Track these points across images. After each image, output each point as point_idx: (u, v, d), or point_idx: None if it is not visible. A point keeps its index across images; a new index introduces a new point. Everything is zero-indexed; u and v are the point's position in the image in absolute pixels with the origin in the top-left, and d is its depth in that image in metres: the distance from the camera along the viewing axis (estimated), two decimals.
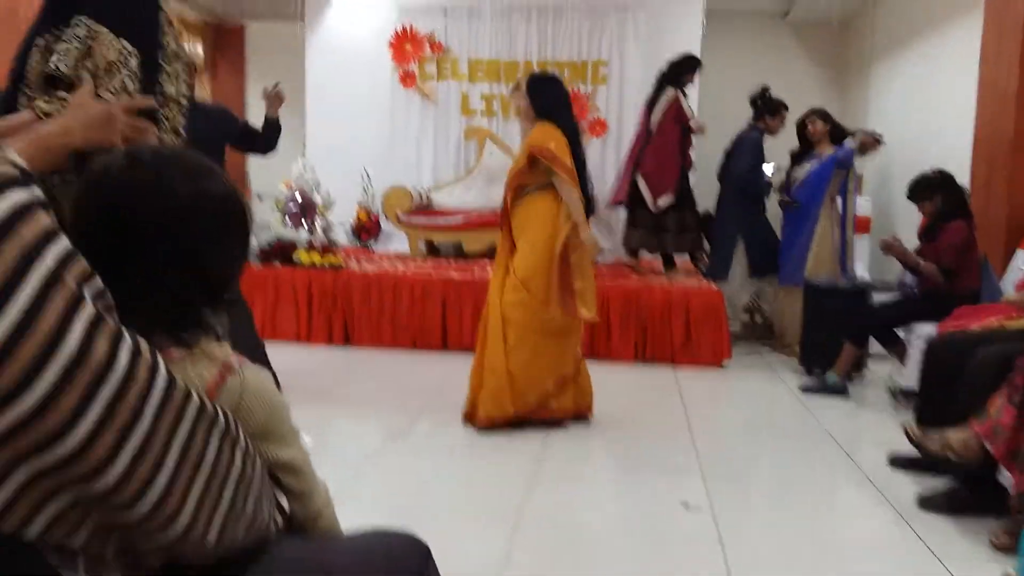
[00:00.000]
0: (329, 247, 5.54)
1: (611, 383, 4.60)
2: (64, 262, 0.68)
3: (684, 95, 5.74)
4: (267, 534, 0.97)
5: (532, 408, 3.62)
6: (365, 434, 3.73)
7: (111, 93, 1.42)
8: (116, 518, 0.76)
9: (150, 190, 0.91)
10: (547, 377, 3.63)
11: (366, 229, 6.75)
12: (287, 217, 5.72)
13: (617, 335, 5.14)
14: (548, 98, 3.58)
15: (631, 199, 5.86)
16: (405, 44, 6.86)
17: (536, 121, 3.57)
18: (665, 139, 5.66)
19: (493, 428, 3.58)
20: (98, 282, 0.74)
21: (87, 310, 0.69)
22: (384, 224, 6.70)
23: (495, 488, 3.02)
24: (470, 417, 3.68)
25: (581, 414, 3.81)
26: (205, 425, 0.82)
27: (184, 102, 1.65)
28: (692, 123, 5.70)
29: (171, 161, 0.96)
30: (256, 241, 5.49)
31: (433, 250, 6.46)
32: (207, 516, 0.82)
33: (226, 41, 8.61)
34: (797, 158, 5.52)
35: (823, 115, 5.43)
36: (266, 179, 8.05)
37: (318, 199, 5.70)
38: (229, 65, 8.65)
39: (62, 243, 0.69)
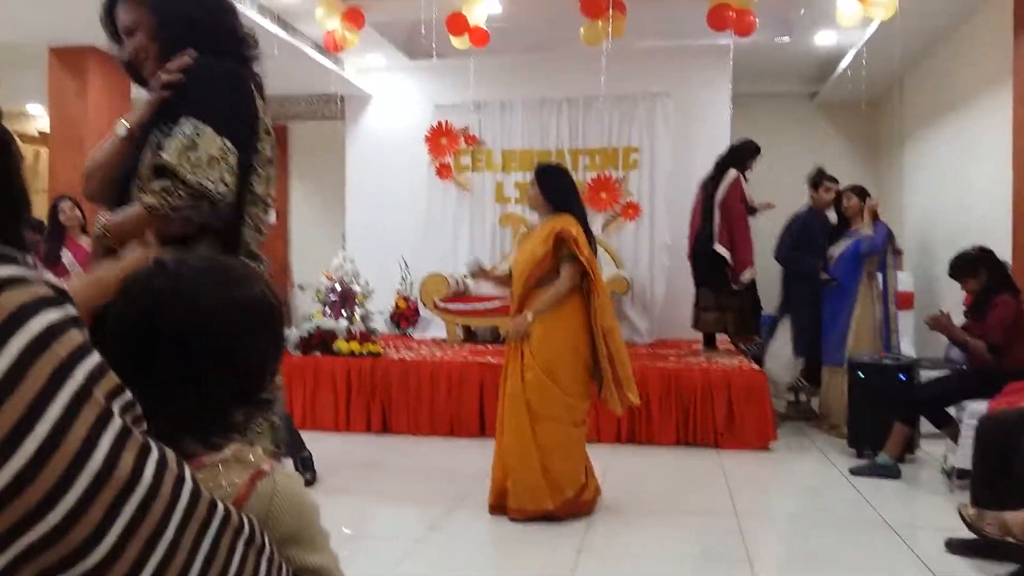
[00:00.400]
0: (368, 335, 5.60)
1: (652, 467, 4.52)
2: (94, 377, 0.70)
3: (745, 179, 5.81)
4: None
5: (570, 501, 3.53)
6: (404, 523, 3.68)
7: (210, 182, 1.52)
8: None
9: (175, 299, 0.94)
10: (580, 469, 3.58)
11: (404, 316, 6.83)
12: (327, 307, 5.82)
13: (657, 417, 5.05)
14: (559, 189, 3.61)
15: (699, 278, 5.88)
16: (441, 138, 7.08)
17: (550, 211, 3.59)
18: (734, 216, 5.70)
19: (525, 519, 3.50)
20: (127, 395, 0.75)
21: (115, 424, 0.70)
22: (422, 311, 6.78)
23: None
24: (497, 509, 3.58)
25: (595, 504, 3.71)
26: (230, 534, 0.82)
27: (270, 203, 1.74)
28: (758, 204, 5.82)
29: (200, 270, 0.99)
30: (297, 332, 5.59)
31: (470, 335, 6.50)
32: None
33: None
34: (835, 235, 5.49)
35: (859, 191, 5.43)
36: (308, 270, 8.25)
37: (357, 289, 5.80)
38: None
39: (93, 359, 0.71)
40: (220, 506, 0.82)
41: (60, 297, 0.71)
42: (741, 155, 5.85)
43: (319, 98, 7.75)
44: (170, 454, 0.77)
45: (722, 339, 6.04)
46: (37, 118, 8.62)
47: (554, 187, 3.61)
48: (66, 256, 4.92)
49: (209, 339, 0.94)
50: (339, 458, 4.68)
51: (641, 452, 4.89)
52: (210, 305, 0.95)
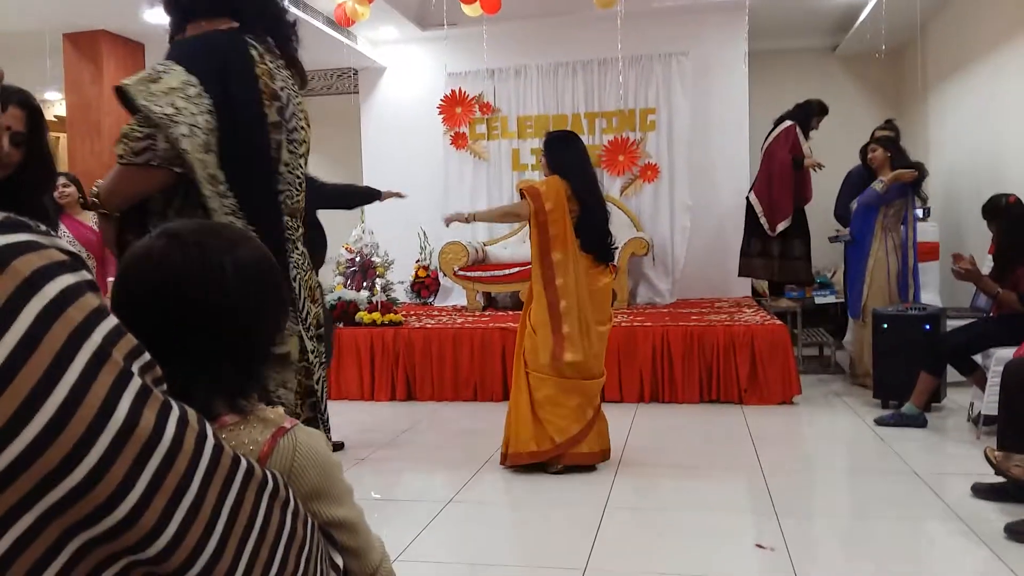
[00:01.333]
0: (389, 306, 5.64)
1: (677, 425, 4.53)
2: (112, 339, 0.72)
3: (806, 136, 5.84)
4: None
5: (560, 449, 3.63)
6: (432, 487, 3.73)
7: (156, 106, 1.54)
8: None
9: (197, 269, 0.95)
10: (572, 422, 3.64)
11: (425, 286, 6.86)
12: (348, 279, 5.86)
13: (680, 376, 5.05)
14: (559, 156, 3.75)
15: (745, 225, 6.08)
16: (455, 107, 7.05)
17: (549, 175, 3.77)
18: (775, 165, 5.83)
19: (519, 466, 3.67)
20: (146, 356, 0.77)
21: (134, 383, 0.72)
22: (442, 280, 6.81)
23: (563, 537, 2.98)
24: (505, 458, 3.76)
25: (604, 457, 3.79)
26: (254, 488, 0.84)
27: (292, 172, 1.75)
28: (808, 160, 5.82)
29: (209, 235, 1.00)
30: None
31: (491, 302, 6.52)
32: None
33: None
34: (861, 188, 5.41)
35: (884, 142, 5.32)
36: (330, 244, 8.29)
37: (377, 260, 5.83)
38: None
39: (110, 321, 0.73)
40: (243, 461, 0.84)
41: (75, 262, 0.73)
42: (806, 112, 5.92)
43: (333, 72, 7.74)
44: (191, 411, 0.79)
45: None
46: (55, 104, 8.70)
47: (554, 155, 3.77)
48: (65, 234, 4.99)
49: (234, 302, 0.96)
50: (366, 426, 4.75)
51: (665, 410, 4.90)
52: (230, 268, 0.96)
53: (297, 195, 1.77)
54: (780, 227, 5.84)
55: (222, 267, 0.95)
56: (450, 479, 3.70)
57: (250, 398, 1.01)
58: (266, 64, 1.70)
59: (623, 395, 5.06)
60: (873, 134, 5.48)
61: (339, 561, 1.05)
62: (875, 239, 5.18)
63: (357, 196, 4.64)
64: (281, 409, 1.04)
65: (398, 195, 4.84)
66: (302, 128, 1.78)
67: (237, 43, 1.68)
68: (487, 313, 6.17)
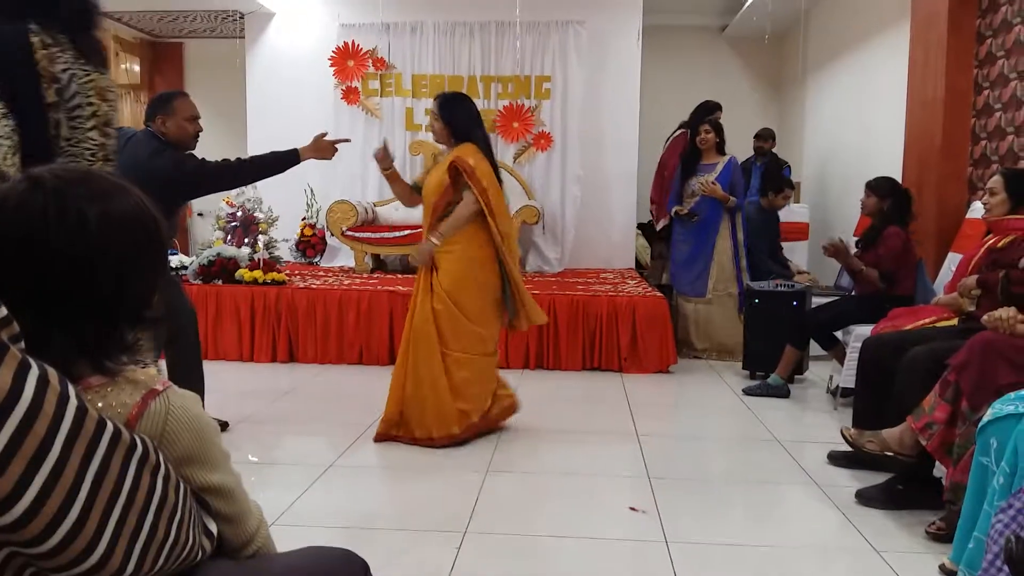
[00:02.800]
0: (272, 264, 5.47)
1: (559, 391, 4.63)
2: None
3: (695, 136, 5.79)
4: (192, 559, 0.94)
5: (475, 425, 3.62)
6: (312, 451, 3.67)
7: None
8: (27, 553, 0.74)
9: (54, 216, 0.88)
10: (487, 395, 3.68)
11: (311, 245, 6.68)
12: (228, 234, 5.63)
13: (565, 344, 5.16)
14: (463, 118, 3.59)
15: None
16: (347, 61, 6.84)
17: (454, 143, 3.58)
18: (665, 169, 6.04)
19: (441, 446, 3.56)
20: (2, 311, 0.72)
21: None
22: (329, 240, 6.65)
23: (445, 501, 3.00)
24: (384, 438, 3.61)
25: (506, 418, 3.83)
26: (121, 453, 0.80)
27: (74, 145, 1.92)
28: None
29: (75, 183, 0.92)
30: (196, 259, 5.39)
31: (380, 264, 6.43)
32: (124, 546, 0.80)
33: (164, 59, 8.49)
34: (688, 169, 5.61)
35: (716, 126, 5.61)
36: (207, 197, 7.93)
37: (260, 216, 5.62)
38: (167, 83, 8.50)
39: None
40: (109, 424, 0.79)
41: None
42: (696, 114, 6.00)
43: (217, 15, 7.34)
44: (52, 371, 0.74)
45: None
46: None
47: (457, 117, 3.57)
48: None
49: (96, 255, 0.89)
50: (244, 388, 4.61)
51: (549, 376, 5.01)
52: (94, 220, 0.89)
53: (89, 164, 1.93)
54: (660, 225, 6.08)
55: (84, 217, 0.89)
56: (331, 443, 3.65)
57: (116, 359, 0.96)
58: (47, 50, 1.88)
59: (508, 361, 5.12)
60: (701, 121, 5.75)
61: (212, 528, 1.02)
62: (722, 222, 5.48)
63: (279, 162, 3.63)
64: (153, 370, 0.99)
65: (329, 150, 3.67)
66: (88, 104, 1.94)
67: (17, 35, 1.86)
68: (375, 275, 6.09)
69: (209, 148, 8.60)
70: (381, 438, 3.63)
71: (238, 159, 3.55)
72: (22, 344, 0.74)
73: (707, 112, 5.89)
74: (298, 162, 3.52)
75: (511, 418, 3.85)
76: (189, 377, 3.50)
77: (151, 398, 0.94)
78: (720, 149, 5.58)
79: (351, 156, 6.79)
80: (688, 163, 5.60)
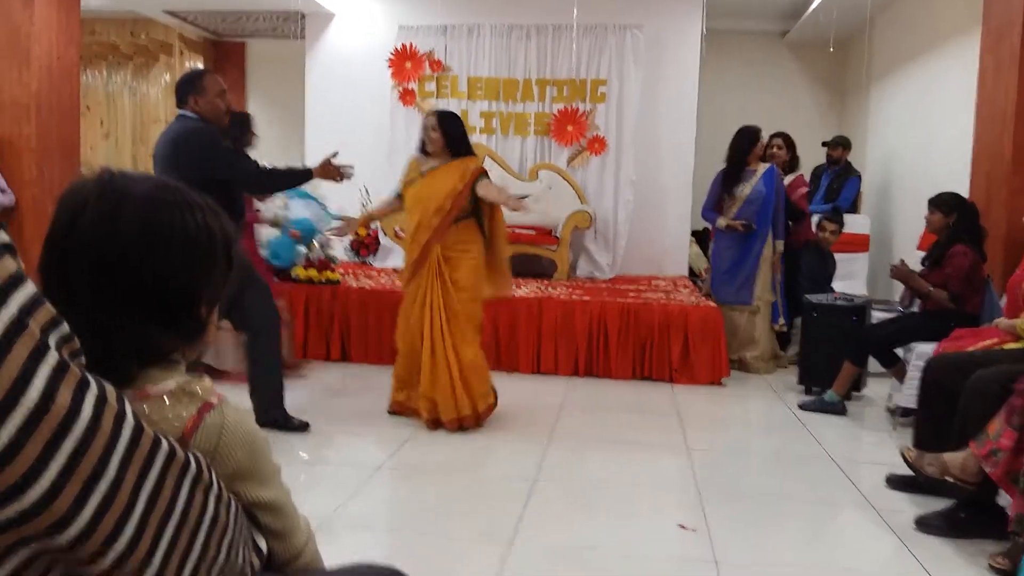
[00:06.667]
0: (327, 263, 5.53)
1: (609, 401, 4.59)
2: (28, 309, 0.67)
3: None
4: None
5: (480, 414, 3.92)
6: (362, 453, 3.71)
7: None
8: (82, 569, 0.74)
9: (92, 205, 0.89)
10: (489, 389, 4.01)
11: (365, 245, 6.75)
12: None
13: (615, 352, 5.12)
14: (457, 133, 3.96)
15: None
16: (405, 62, 6.89)
17: (449, 155, 3.93)
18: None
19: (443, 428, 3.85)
20: (65, 327, 0.72)
21: (51, 358, 0.68)
22: (382, 239, 6.71)
23: (492, 508, 3.00)
24: (398, 412, 4.03)
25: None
26: (175, 472, 0.81)
27: None
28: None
29: (139, 187, 0.93)
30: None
31: None
32: (177, 564, 0.81)
33: (226, 58, 8.67)
34: (732, 177, 5.45)
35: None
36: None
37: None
38: (230, 82, 8.63)
39: (27, 289, 0.68)
40: (164, 443, 0.80)
41: None
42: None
43: (279, 15, 7.45)
44: (110, 389, 0.74)
45: None
46: None
47: (454, 133, 3.94)
48: None
49: (120, 256, 0.89)
50: (297, 385, 4.67)
51: (598, 385, 4.97)
52: (128, 217, 0.90)
53: None
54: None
55: (117, 214, 0.90)
56: (380, 443, 3.69)
57: (172, 367, 0.97)
58: None
59: (558, 367, 5.11)
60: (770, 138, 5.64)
61: (262, 544, 1.02)
62: (768, 229, 5.39)
63: (296, 177, 3.84)
64: (208, 382, 0.99)
65: (338, 175, 3.86)
66: None
67: None
68: None
69: (269, 146, 8.81)
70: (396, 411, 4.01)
71: (271, 167, 3.82)
72: (82, 359, 0.75)
73: (751, 136, 5.56)
74: (311, 179, 3.81)
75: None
76: (265, 379, 3.62)
77: (207, 411, 0.95)
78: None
79: (405, 156, 6.83)
80: (731, 171, 5.47)
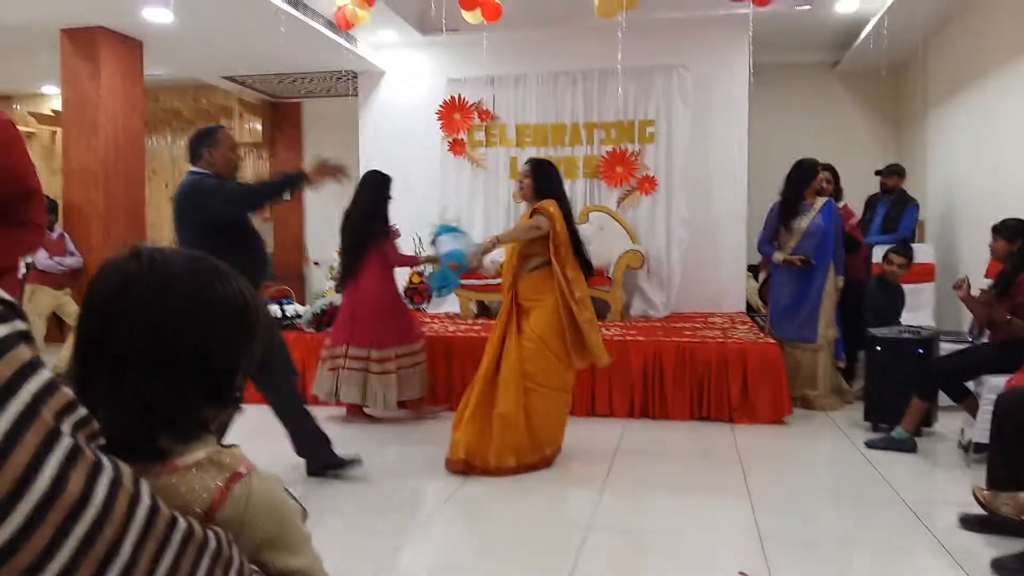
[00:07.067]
0: None
1: (666, 442, 4.50)
2: (42, 396, 0.68)
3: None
4: None
5: (546, 458, 3.96)
6: (414, 500, 3.69)
7: None
8: None
9: (145, 283, 0.92)
10: (560, 434, 4.04)
11: (419, 292, 6.83)
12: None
13: (671, 392, 5.02)
14: (551, 181, 4.05)
15: None
16: (454, 113, 7.03)
17: (535, 199, 4.01)
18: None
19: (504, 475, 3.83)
20: (80, 412, 0.73)
21: (63, 443, 0.68)
22: None
23: (544, 555, 2.94)
24: (456, 464, 3.89)
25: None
26: (193, 551, 0.81)
27: None
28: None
29: (175, 259, 0.96)
30: (310, 309, 5.60)
31: (484, 310, 6.49)
32: None
33: (283, 118, 8.98)
34: (788, 212, 5.34)
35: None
36: (323, 247, 8.27)
37: None
38: (286, 140, 8.98)
39: (41, 377, 0.69)
40: (181, 522, 0.80)
41: (8, 311, 0.69)
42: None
43: (332, 75, 7.71)
44: (125, 472, 0.75)
45: None
46: (52, 98, 8.67)
47: (546, 181, 4.03)
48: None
49: (171, 328, 0.92)
50: (355, 434, 4.71)
51: (654, 426, 4.87)
52: (178, 293, 0.93)
53: None
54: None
55: (165, 289, 0.92)
56: (432, 491, 3.67)
57: (207, 439, 0.98)
58: None
59: (613, 409, 5.03)
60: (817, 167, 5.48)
61: None
62: (829, 263, 5.26)
63: (289, 181, 3.63)
64: (238, 451, 1.00)
65: (333, 173, 3.62)
66: None
67: None
68: (480, 321, 6.14)
69: (324, 197, 9.04)
70: (460, 467, 3.88)
71: (260, 180, 3.85)
72: (101, 441, 0.76)
73: (809, 169, 5.43)
74: (305, 179, 3.59)
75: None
76: (302, 427, 3.67)
77: (234, 482, 0.95)
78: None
79: (456, 205, 6.95)
80: (789, 204, 5.37)
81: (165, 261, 0.95)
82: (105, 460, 0.73)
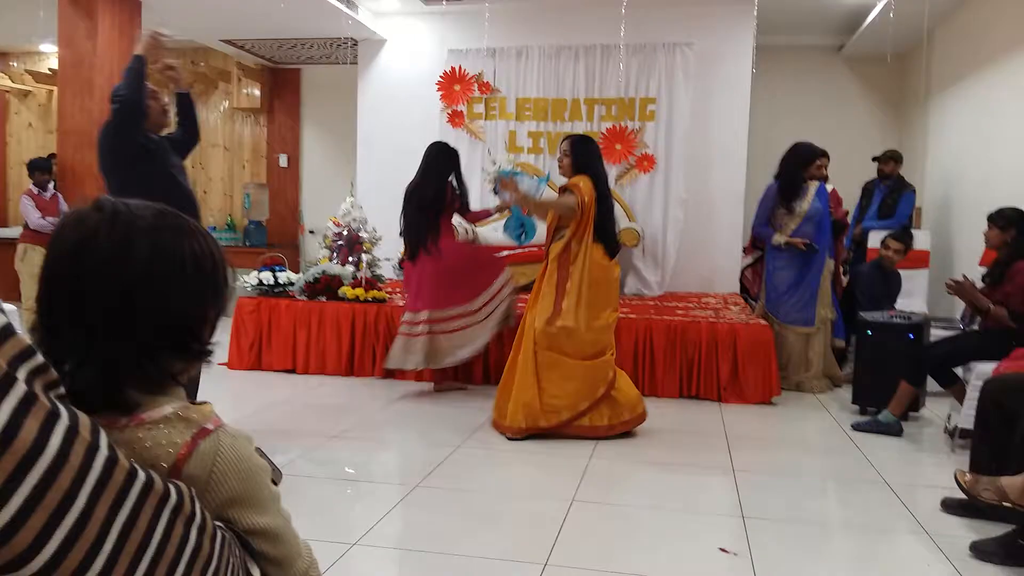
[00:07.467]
0: (374, 282, 5.60)
1: (654, 419, 4.50)
2: None
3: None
4: None
5: (564, 423, 3.99)
6: (402, 470, 3.71)
7: None
8: None
9: (106, 238, 0.91)
10: (581, 399, 3.98)
11: None
12: (334, 252, 5.81)
13: (661, 370, 5.04)
14: (587, 157, 4.14)
15: None
16: (454, 85, 6.97)
17: (573, 174, 4.12)
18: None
19: (522, 438, 3.98)
20: (37, 359, 0.72)
21: (17, 390, 0.67)
22: None
23: (526, 529, 2.96)
24: (498, 425, 4.12)
25: (621, 429, 4.08)
26: (152, 503, 0.80)
27: None
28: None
29: (140, 214, 0.95)
30: (303, 276, 5.59)
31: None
32: None
33: (282, 84, 8.90)
34: (792, 193, 5.30)
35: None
36: (319, 215, 8.24)
37: (364, 235, 5.78)
38: (285, 106, 8.91)
39: None
40: (141, 474, 0.79)
41: None
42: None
43: (332, 42, 7.63)
44: (83, 421, 0.74)
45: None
46: (50, 57, 8.58)
47: (583, 156, 4.12)
48: None
49: (131, 282, 0.91)
50: (343, 402, 4.72)
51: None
52: (139, 248, 0.92)
53: None
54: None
55: (127, 245, 0.91)
56: (420, 461, 3.68)
57: (175, 392, 0.98)
58: None
59: None
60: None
61: (255, 572, 1.00)
62: (826, 249, 5.30)
63: (183, 114, 3.82)
64: (209, 408, 1.00)
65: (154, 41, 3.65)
66: None
67: None
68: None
69: (321, 165, 8.98)
70: (509, 431, 4.03)
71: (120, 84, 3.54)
72: (61, 390, 0.75)
73: (811, 152, 5.41)
74: (143, 62, 3.49)
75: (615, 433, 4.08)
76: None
77: (201, 437, 0.94)
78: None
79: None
80: (789, 186, 5.34)
81: (129, 214, 0.93)
82: (62, 408, 0.72)
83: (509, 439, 3.99)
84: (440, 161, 4.88)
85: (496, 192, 5.18)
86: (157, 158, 3.48)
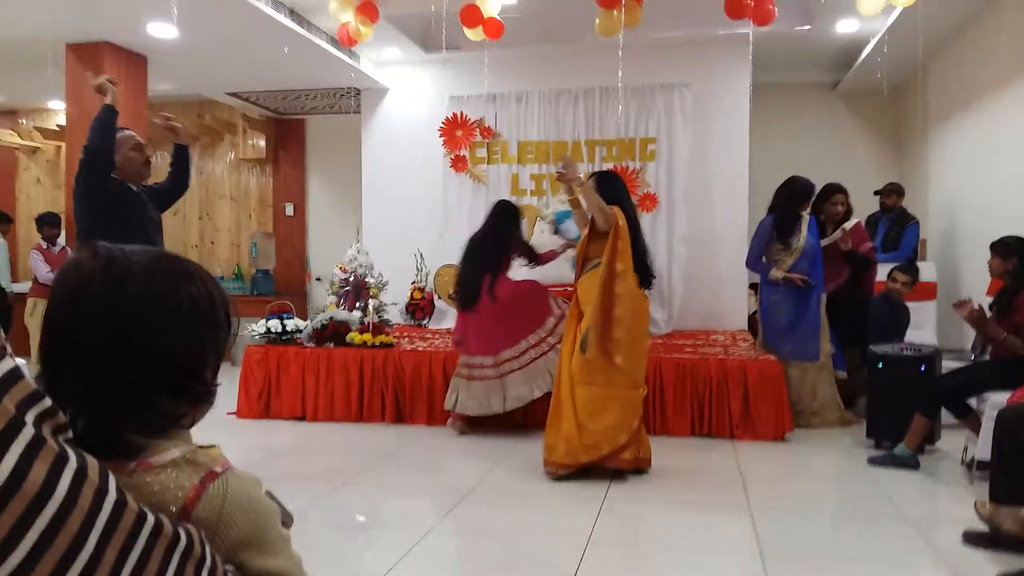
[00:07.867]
0: (381, 327, 5.60)
1: (667, 458, 4.47)
2: (4, 385, 0.67)
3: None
4: None
5: (604, 457, 3.94)
6: (414, 515, 3.67)
7: None
8: None
9: (101, 281, 0.91)
10: (619, 432, 3.95)
11: (420, 307, 6.83)
12: (341, 299, 5.83)
13: (672, 408, 5.01)
14: (613, 190, 4.15)
15: None
16: (456, 130, 7.05)
17: None
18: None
19: (562, 477, 3.95)
20: (46, 403, 0.72)
21: (25, 433, 0.67)
22: (437, 302, 6.78)
23: (540, 570, 2.92)
24: (545, 463, 4.07)
25: (641, 467, 4.07)
26: (162, 547, 0.79)
27: None
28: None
29: (136, 258, 0.95)
30: (311, 323, 5.60)
31: None
32: None
33: (287, 134, 9.02)
34: (788, 229, 5.28)
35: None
36: (325, 262, 8.29)
37: (371, 280, 5.80)
38: (290, 156, 9.02)
39: (4, 365, 0.68)
40: (150, 518, 0.79)
41: None
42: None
43: (335, 92, 7.75)
44: (92, 464, 0.74)
45: None
46: (58, 113, 8.72)
47: (609, 190, 4.12)
48: None
49: (125, 326, 0.90)
50: (353, 448, 4.69)
51: (655, 442, 4.80)
52: (133, 292, 0.92)
53: None
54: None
55: (122, 287, 0.91)
56: (434, 505, 3.64)
57: (182, 436, 0.97)
58: None
59: None
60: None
61: None
62: (821, 283, 5.28)
63: (177, 164, 4.00)
64: (217, 451, 0.99)
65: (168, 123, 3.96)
66: None
67: None
68: None
69: (327, 213, 9.05)
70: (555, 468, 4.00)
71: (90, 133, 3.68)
72: (69, 434, 0.75)
73: (807, 188, 5.41)
74: (113, 111, 3.64)
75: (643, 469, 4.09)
76: None
77: (210, 480, 0.94)
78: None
79: (458, 221, 6.95)
80: (786, 221, 5.34)
81: (124, 259, 0.94)
82: (70, 452, 0.72)
83: (552, 479, 3.97)
84: (504, 220, 5.04)
85: (557, 232, 5.52)
86: (131, 208, 3.56)
